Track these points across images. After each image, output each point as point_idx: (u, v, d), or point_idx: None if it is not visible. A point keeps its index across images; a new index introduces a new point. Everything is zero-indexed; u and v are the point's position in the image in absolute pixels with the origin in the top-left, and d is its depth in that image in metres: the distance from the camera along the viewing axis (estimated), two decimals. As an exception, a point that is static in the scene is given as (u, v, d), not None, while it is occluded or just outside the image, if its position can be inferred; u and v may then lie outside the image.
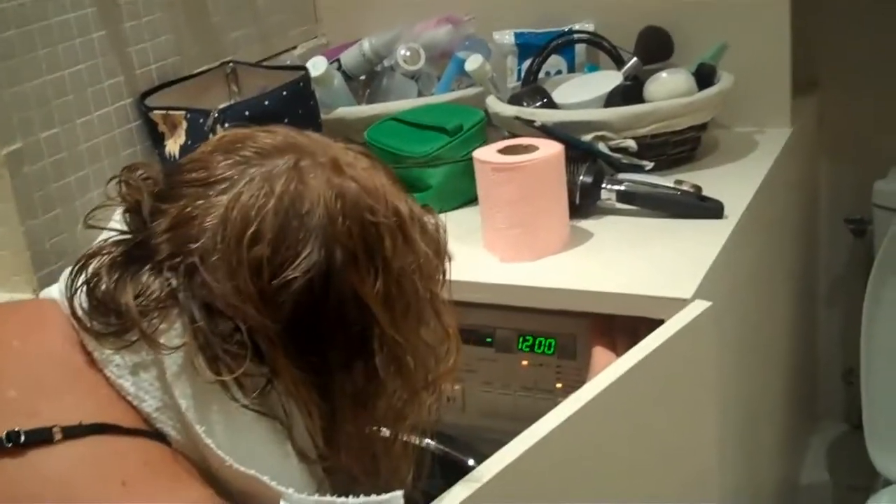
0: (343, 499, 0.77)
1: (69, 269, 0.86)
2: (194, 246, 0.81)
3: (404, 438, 0.92)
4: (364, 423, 0.88)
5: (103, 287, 0.82)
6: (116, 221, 0.87)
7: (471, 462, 1.31)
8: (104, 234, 0.87)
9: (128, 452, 0.78)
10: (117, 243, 0.85)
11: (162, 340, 0.80)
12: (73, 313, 0.82)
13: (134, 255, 0.83)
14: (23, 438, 0.75)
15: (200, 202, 0.82)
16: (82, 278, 0.83)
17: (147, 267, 0.82)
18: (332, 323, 0.83)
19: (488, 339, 1.35)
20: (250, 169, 0.84)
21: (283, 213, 0.81)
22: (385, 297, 0.84)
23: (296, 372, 0.82)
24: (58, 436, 0.75)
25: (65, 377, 0.82)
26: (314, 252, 0.81)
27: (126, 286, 0.81)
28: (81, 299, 0.83)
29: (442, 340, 0.91)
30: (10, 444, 0.75)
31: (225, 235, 0.80)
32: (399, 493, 0.79)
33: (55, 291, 0.88)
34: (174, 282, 0.81)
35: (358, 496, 0.78)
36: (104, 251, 0.84)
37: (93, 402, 0.79)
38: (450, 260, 0.93)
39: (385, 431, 0.91)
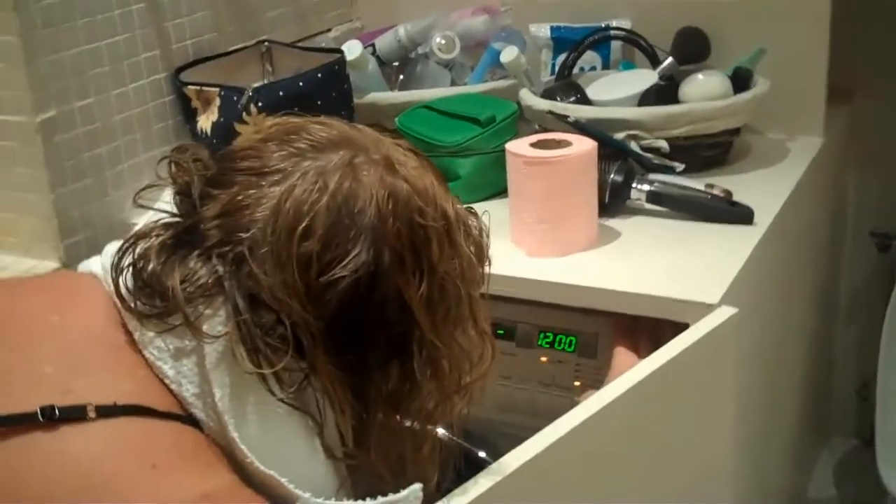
0: (360, 502, 0.77)
1: (116, 245, 0.86)
2: (244, 236, 0.80)
3: (433, 441, 0.92)
4: (395, 423, 0.88)
5: (150, 268, 0.81)
6: (166, 203, 0.87)
7: (482, 454, 1.31)
8: (149, 214, 0.87)
9: (160, 435, 0.78)
10: (167, 225, 0.85)
11: (205, 328, 0.80)
12: (118, 292, 0.82)
13: (183, 239, 0.83)
14: (57, 414, 0.75)
15: (252, 191, 0.82)
16: (130, 258, 0.83)
17: (195, 252, 0.81)
18: (373, 323, 0.82)
19: (510, 333, 1.35)
20: (304, 162, 0.83)
21: (336, 211, 0.81)
22: (428, 301, 0.84)
23: (333, 370, 0.82)
24: (91, 414, 0.75)
25: (103, 355, 0.81)
26: (363, 252, 0.80)
27: (173, 269, 0.81)
28: (127, 278, 0.83)
29: (477, 345, 0.90)
30: (43, 420, 0.74)
31: (276, 228, 0.80)
32: (418, 487, 0.79)
33: (96, 265, 0.88)
34: (221, 269, 0.80)
35: (376, 497, 0.78)
36: (154, 232, 0.84)
37: (129, 383, 0.79)
38: (490, 264, 0.92)
39: (414, 431, 0.90)
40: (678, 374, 1.08)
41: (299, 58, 1.62)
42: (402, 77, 1.74)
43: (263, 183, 0.82)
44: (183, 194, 0.86)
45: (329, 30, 1.86)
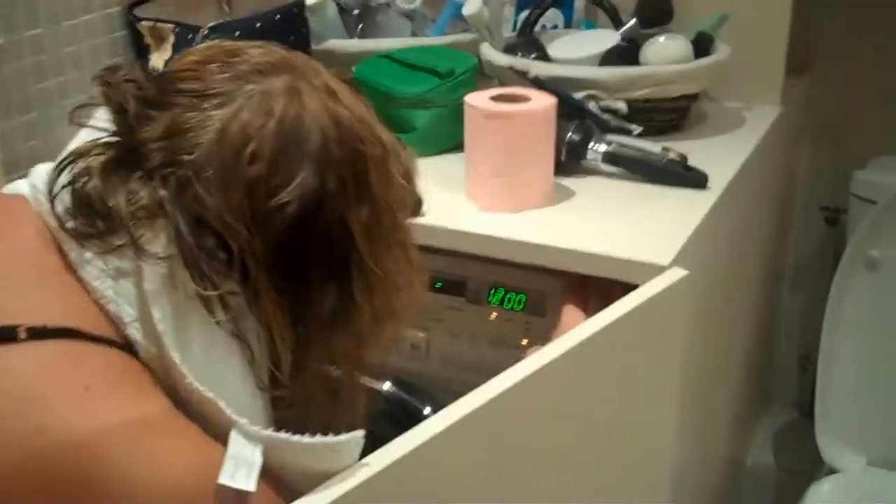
0: (299, 437, 0.76)
1: (46, 166, 0.84)
2: (188, 158, 0.80)
3: (364, 371, 0.95)
4: (332, 348, 0.89)
5: (91, 186, 0.80)
6: (103, 121, 0.85)
7: (427, 410, 1.31)
8: (82, 135, 0.85)
9: (91, 358, 0.76)
10: (108, 145, 0.83)
11: (146, 249, 0.78)
12: (53, 211, 0.80)
13: (124, 159, 0.81)
14: None
15: (195, 114, 0.81)
16: (68, 176, 0.81)
17: (137, 174, 0.80)
18: (316, 247, 0.83)
19: (460, 289, 1.34)
20: (247, 85, 0.83)
21: (283, 136, 0.81)
22: (367, 226, 0.85)
23: (275, 294, 0.82)
24: (22, 335, 0.74)
25: (35, 276, 0.80)
26: (310, 177, 0.81)
27: (117, 189, 0.79)
28: (63, 197, 0.81)
29: (406, 272, 0.92)
30: None
31: (222, 151, 0.80)
32: (360, 434, 0.78)
33: (23, 186, 0.86)
34: (163, 192, 0.79)
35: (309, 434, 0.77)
36: (94, 151, 0.82)
37: (61, 305, 0.78)
38: (416, 194, 0.95)
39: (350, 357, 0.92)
40: (625, 334, 1.07)
41: (258, -1, 1.59)
42: (361, 25, 1.72)
43: (206, 105, 0.82)
44: (119, 114, 0.84)
45: (291, -27, 1.82)
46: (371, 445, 0.81)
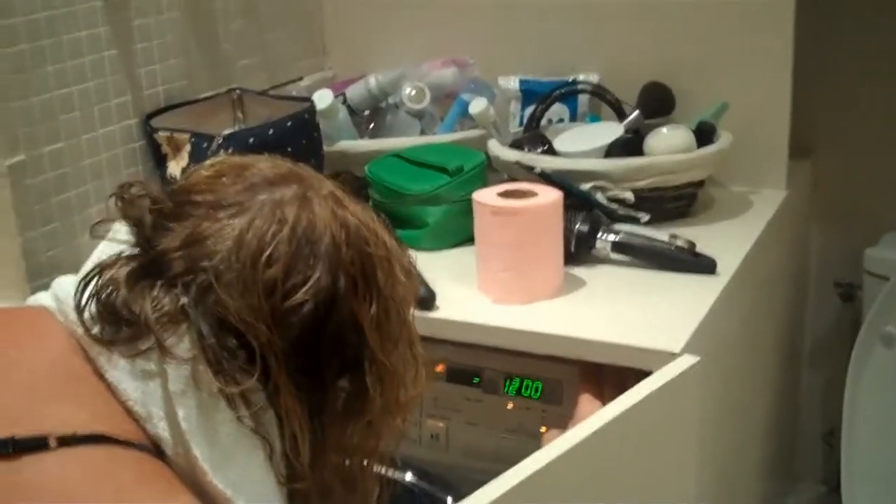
0: None
1: (68, 279, 0.89)
2: (208, 264, 0.84)
3: (378, 461, 0.99)
4: (348, 439, 0.92)
5: (119, 295, 0.84)
6: (122, 234, 0.89)
7: (448, 500, 1.32)
8: (102, 248, 0.90)
9: (122, 461, 0.79)
10: (131, 257, 0.87)
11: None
12: (81, 320, 0.84)
13: (147, 269, 0.86)
14: (17, 446, 0.76)
15: (211, 223, 0.86)
16: (92, 288, 0.85)
17: (160, 282, 0.84)
18: (331, 343, 0.88)
19: (475, 380, 1.36)
20: (260, 195, 0.88)
21: (296, 240, 0.86)
22: (377, 323, 0.89)
23: (294, 389, 0.86)
24: (53, 444, 0.77)
25: (63, 385, 0.83)
26: (322, 277, 0.86)
27: (142, 296, 0.84)
28: (90, 307, 0.85)
29: (412, 366, 0.96)
30: (4, 451, 0.75)
31: (240, 256, 0.84)
32: None
33: (46, 299, 0.90)
34: (185, 298, 0.83)
35: None
36: (119, 263, 0.86)
37: (89, 412, 0.81)
38: (418, 292, 1.02)
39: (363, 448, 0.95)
40: (639, 422, 1.08)
41: (270, 106, 1.63)
42: (372, 126, 1.76)
43: (221, 215, 0.87)
44: (137, 227, 0.89)
45: (301, 78, 1.87)
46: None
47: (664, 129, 1.56)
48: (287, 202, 0.88)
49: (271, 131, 1.51)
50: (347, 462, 0.95)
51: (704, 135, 1.58)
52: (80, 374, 0.84)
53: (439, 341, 1.29)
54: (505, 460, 0.99)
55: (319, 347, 0.87)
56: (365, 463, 0.97)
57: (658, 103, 1.65)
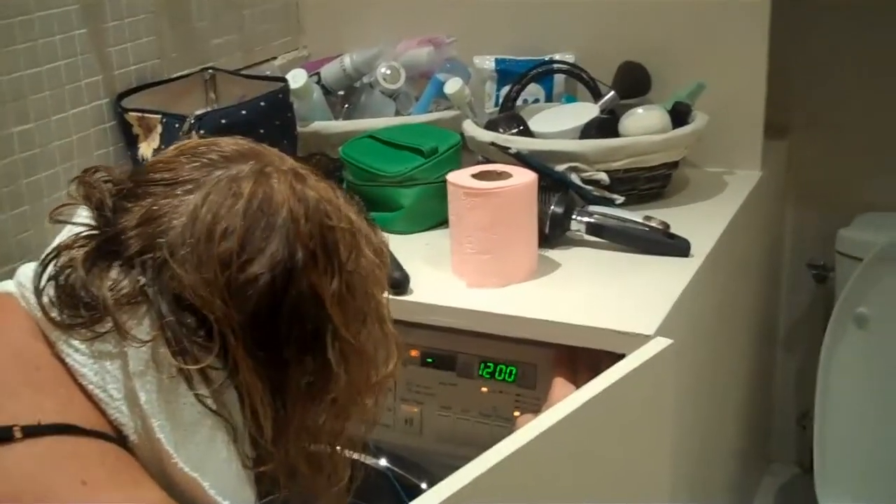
0: None
1: (31, 265, 0.87)
2: (163, 241, 0.84)
3: (350, 445, 0.98)
4: (313, 418, 0.91)
5: (76, 277, 0.83)
6: (84, 217, 0.88)
7: (423, 485, 1.32)
8: (65, 233, 0.89)
9: (86, 452, 0.78)
10: (89, 237, 0.86)
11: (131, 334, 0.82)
12: (40, 303, 0.83)
13: (105, 249, 0.85)
14: None
15: (168, 200, 0.86)
16: (51, 270, 0.85)
17: (117, 262, 0.84)
18: (290, 318, 0.86)
19: (450, 364, 1.35)
20: (216, 171, 0.87)
21: (252, 213, 0.85)
22: (339, 298, 0.88)
23: (253, 364, 0.85)
24: (18, 434, 0.76)
25: (26, 374, 0.82)
26: (279, 250, 0.85)
27: (100, 278, 0.83)
28: (49, 290, 0.84)
29: (384, 345, 0.95)
30: None
31: (195, 231, 0.84)
32: None
33: (10, 285, 0.89)
34: (143, 278, 0.83)
35: None
36: (76, 244, 0.86)
37: (53, 401, 0.80)
38: (392, 272, 0.99)
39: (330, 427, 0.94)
40: (613, 404, 1.08)
41: (243, 86, 1.62)
42: (346, 106, 1.75)
43: (178, 192, 0.86)
44: (98, 210, 0.88)
45: (275, 58, 1.86)
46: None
47: (639, 110, 1.56)
48: (244, 177, 0.87)
49: (244, 112, 1.49)
50: (315, 444, 0.94)
51: (680, 115, 1.57)
52: (42, 360, 0.83)
53: (413, 325, 1.28)
54: (479, 445, 0.99)
55: (277, 321, 0.86)
56: (333, 445, 0.96)
57: (634, 83, 1.65)
